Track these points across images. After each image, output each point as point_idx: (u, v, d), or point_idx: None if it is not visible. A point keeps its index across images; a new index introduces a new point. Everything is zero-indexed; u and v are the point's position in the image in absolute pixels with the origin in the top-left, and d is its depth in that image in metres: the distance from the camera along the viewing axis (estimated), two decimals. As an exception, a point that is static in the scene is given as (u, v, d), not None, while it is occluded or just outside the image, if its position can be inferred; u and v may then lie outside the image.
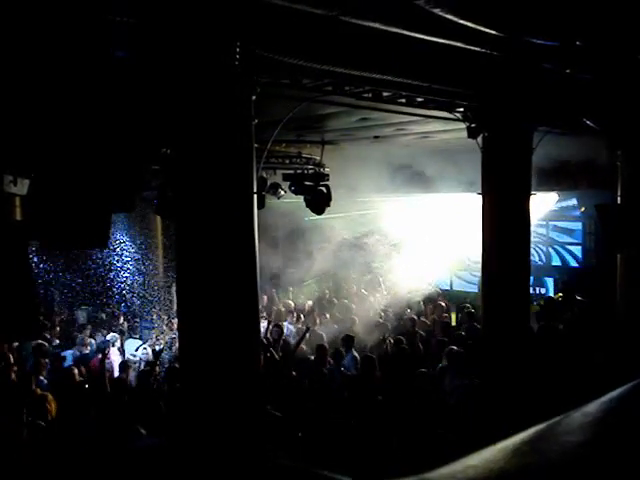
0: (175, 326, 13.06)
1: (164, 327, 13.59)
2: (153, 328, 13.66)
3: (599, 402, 1.60)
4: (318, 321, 13.75)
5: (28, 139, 7.37)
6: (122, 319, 14.54)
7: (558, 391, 7.94)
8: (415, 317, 13.18)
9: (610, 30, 7.30)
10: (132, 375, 10.81)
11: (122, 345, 12.66)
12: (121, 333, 13.23)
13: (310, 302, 15.44)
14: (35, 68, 6.38)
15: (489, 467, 1.48)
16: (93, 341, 12.65)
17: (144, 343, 12.82)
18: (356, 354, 10.73)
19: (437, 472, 1.51)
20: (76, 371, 9.60)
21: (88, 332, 13.02)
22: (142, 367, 11.02)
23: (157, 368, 10.41)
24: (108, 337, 12.54)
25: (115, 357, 11.67)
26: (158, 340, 12.81)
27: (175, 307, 10.44)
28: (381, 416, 7.86)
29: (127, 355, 12.13)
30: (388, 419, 7.77)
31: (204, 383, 6.18)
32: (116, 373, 11.01)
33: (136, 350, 12.40)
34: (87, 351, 11.87)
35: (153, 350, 12.12)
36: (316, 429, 7.45)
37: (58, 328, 13.52)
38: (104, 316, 14.88)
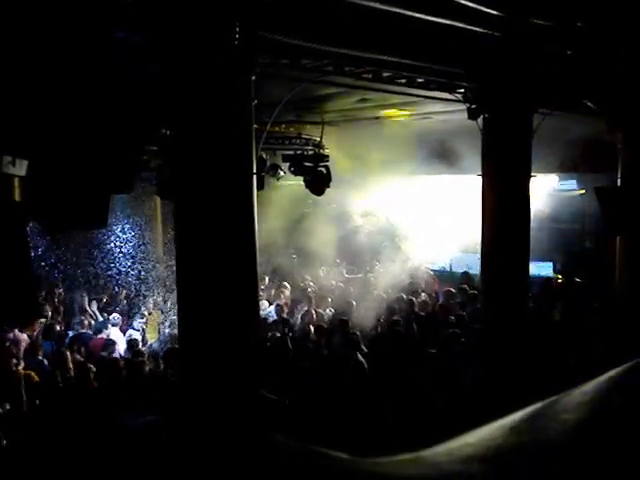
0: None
1: (161, 309, 13.59)
2: (150, 311, 13.63)
3: (597, 381, 1.61)
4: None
5: (27, 120, 7.34)
6: (123, 300, 14.53)
7: (555, 373, 7.97)
8: (413, 299, 13.10)
9: (611, 11, 7.27)
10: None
11: (124, 326, 12.66)
12: (122, 314, 13.23)
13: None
14: (33, 49, 6.35)
15: (486, 445, 1.48)
16: (93, 321, 12.66)
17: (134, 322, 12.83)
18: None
19: (435, 450, 1.52)
20: (68, 353, 9.62)
21: (87, 313, 13.01)
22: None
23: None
24: (111, 318, 12.54)
25: (115, 337, 11.65)
26: (162, 323, 12.80)
27: (175, 288, 10.42)
28: (377, 394, 7.90)
29: (127, 336, 12.12)
30: (384, 397, 7.80)
31: (203, 362, 6.19)
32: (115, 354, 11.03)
33: (129, 327, 12.45)
34: (84, 331, 11.86)
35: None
36: (314, 408, 7.49)
37: (61, 309, 13.50)
38: (105, 297, 14.85)
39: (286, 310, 12.90)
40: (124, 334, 12.19)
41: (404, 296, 13.23)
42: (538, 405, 1.53)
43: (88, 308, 13.21)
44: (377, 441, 6.55)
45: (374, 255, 17.04)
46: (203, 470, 1.42)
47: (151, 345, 11.84)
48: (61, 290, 14.72)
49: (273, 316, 12.50)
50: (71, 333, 11.77)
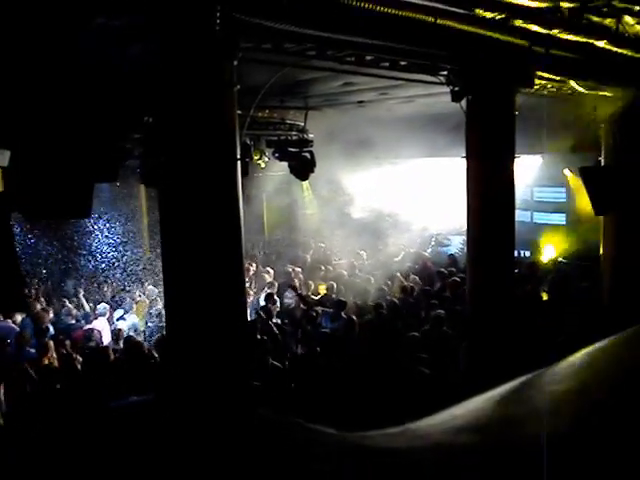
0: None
1: (147, 296, 13.57)
2: (137, 299, 13.61)
3: (583, 353, 1.61)
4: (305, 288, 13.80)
5: (8, 110, 7.28)
6: (108, 289, 14.50)
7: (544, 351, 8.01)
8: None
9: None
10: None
11: (111, 315, 12.64)
12: (108, 304, 13.20)
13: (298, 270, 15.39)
14: (14, 39, 6.29)
15: (476, 416, 1.49)
16: (80, 311, 12.64)
17: (125, 313, 12.83)
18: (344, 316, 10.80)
19: (424, 422, 1.52)
20: (51, 343, 9.60)
21: (74, 303, 12.97)
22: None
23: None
24: (98, 308, 12.52)
25: (102, 327, 11.62)
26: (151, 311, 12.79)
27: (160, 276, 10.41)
28: (364, 369, 7.94)
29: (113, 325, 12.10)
30: (372, 372, 7.85)
31: (191, 347, 6.18)
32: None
33: (117, 320, 12.42)
34: (73, 321, 11.83)
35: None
36: (304, 382, 7.53)
37: (44, 300, 13.45)
38: (89, 287, 14.81)
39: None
40: (111, 323, 12.17)
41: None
42: (525, 377, 1.53)
43: (78, 298, 13.19)
44: (364, 415, 6.59)
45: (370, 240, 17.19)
46: (190, 448, 1.42)
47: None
48: (47, 281, 14.71)
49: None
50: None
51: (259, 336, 9.59)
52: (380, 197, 18.58)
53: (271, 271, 15.12)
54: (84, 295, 13.62)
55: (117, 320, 12.48)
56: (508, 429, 1.36)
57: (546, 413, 1.35)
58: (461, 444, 1.32)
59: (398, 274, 13.56)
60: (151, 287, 13.72)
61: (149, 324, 12.27)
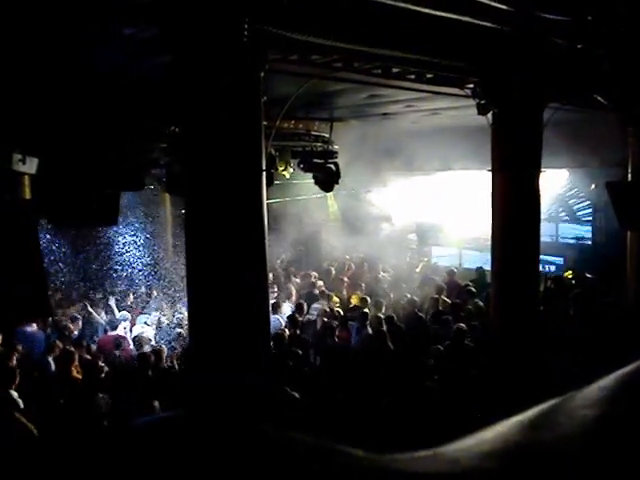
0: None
1: (170, 305, 13.60)
2: (159, 308, 13.65)
3: (615, 376, 1.57)
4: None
5: (37, 118, 7.36)
6: (131, 297, 14.54)
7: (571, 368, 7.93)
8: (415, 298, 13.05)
9: (621, 4, 7.24)
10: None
11: (133, 323, 12.67)
12: (131, 311, 13.25)
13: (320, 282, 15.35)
14: (43, 49, 6.36)
15: (505, 440, 1.47)
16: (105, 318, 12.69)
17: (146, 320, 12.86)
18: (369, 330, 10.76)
19: (452, 446, 1.50)
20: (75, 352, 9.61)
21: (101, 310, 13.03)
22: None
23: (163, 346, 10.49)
24: (118, 315, 12.57)
25: (121, 334, 11.66)
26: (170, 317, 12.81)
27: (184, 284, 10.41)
28: (392, 390, 7.90)
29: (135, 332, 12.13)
30: (399, 393, 7.80)
31: (212, 358, 6.19)
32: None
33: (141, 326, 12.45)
34: (76, 333, 11.84)
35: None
36: (331, 405, 7.49)
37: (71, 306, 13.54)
38: (114, 294, 14.87)
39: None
40: (131, 331, 12.21)
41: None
42: (555, 401, 1.50)
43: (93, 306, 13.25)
44: (393, 438, 6.54)
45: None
46: (210, 468, 1.40)
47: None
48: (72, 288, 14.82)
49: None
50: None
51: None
52: (406, 209, 18.57)
53: (297, 281, 15.21)
54: (94, 303, 13.64)
55: (141, 326, 12.49)
56: (536, 455, 1.34)
57: (576, 440, 1.32)
58: (488, 470, 1.30)
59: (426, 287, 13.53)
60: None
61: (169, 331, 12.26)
